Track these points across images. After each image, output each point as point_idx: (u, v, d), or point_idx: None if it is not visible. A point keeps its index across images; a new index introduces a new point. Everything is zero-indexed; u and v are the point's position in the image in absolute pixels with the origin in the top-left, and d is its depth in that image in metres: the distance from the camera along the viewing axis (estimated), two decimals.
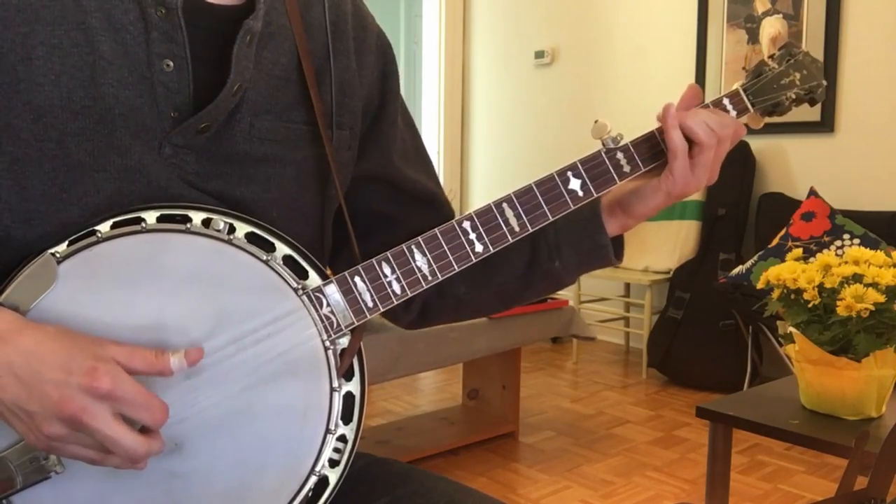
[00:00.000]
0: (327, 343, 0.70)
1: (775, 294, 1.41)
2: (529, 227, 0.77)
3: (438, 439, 2.62)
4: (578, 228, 0.84)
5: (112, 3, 0.67)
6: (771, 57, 0.86)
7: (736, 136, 0.80)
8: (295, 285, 0.69)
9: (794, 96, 0.85)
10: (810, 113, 3.28)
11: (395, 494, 0.78)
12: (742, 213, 3.49)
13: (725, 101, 0.83)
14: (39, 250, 0.65)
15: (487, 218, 0.76)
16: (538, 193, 0.77)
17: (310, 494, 0.69)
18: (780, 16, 3.45)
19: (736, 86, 0.84)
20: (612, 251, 0.84)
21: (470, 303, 0.88)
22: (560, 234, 0.84)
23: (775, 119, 0.88)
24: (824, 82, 0.86)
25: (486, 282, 0.87)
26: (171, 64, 0.68)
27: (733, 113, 0.83)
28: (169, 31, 0.68)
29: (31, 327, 0.61)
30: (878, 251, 1.37)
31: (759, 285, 1.46)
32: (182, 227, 0.67)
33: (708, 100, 0.83)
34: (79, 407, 0.58)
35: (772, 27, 3.48)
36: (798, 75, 0.85)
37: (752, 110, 0.84)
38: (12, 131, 0.64)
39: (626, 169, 0.79)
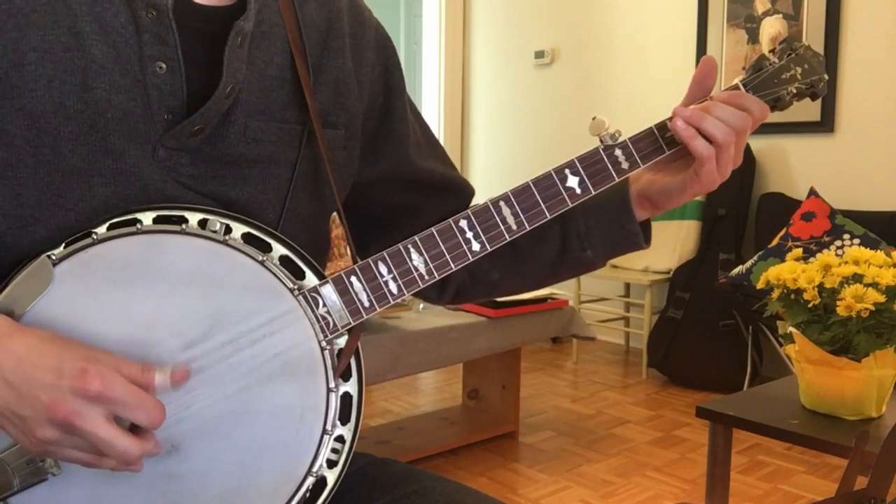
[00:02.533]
0: (324, 343, 0.69)
1: (775, 294, 1.40)
2: (527, 226, 0.77)
3: (438, 439, 2.62)
4: (609, 218, 0.85)
5: (102, 6, 0.66)
6: (772, 51, 0.85)
7: (758, 122, 0.79)
8: (291, 286, 0.69)
9: (795, 90, 0.84)
10: (810, 113, 3.28)
11: (395, 494, 0.77)
12: (742, 213, 3.49)
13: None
14: (36, 255, 0.65)
15: (484, 217, 0.75)
16: (536, 191, 0.77)
17: (307, 495, 0.68)
18: (780, 16, 3.45)
19: (736, 81, 0.83)
20: (642, 238, 0.85)
21: (502, 287, 0.91)
22: (590, 225, 0.85)
23: (775, 119, 0.88)
24: (826, 76, 0.85)
25: (518, 269, 0.89)
26: (164, 66, 0.68)
27: None
28: (160, 33, 0.67)
29: (21, 331, 0.61)
30: (878, 251, 1.37)
31: (759, 285, 1.46)
32: (178, 228, 0.67)
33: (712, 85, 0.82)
34: (70, 410, 0.58)
35: (772, 27, 3.48)
36: (799, 69, 0.84)
37: None
38: (5, 137, 0.64)
39: (625, 166, 0.79)
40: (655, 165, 0.81)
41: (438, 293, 0.91)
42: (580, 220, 0.85)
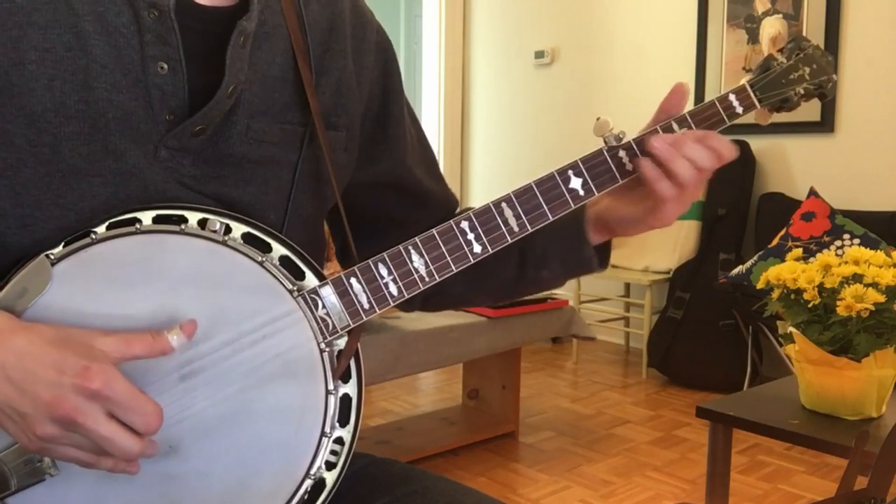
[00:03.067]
0: (323, 345, 0.69)
1: (775, 294, 1.40)
2: (529, 228, 0.76)
3: (438, 439, 2.62)
4: (563, 240, 0.85)
5: (104, 5, 0.66)
6: (780, 51, 0.84)
7: (725, 161, 0.76)
8: (290, 287, 0.69)
9: (802, 91, 0.82)
10: (810, 113, 3.28)
11: (395, 494, 0.77)
12: (742, 213, 3.49)
13: (732, 98, 0.81)
14: (35, 255, 0.65)
15: (486, 218, 0.75)
16: (538, 193, 0.76)
17: (306, 497, 0.68)
18: (780, 16, 3.44)
19: (743, 81, 0.82)
20: (596, 263, 0.86)
21: (468, 300, 0.92)
22: (546, 246, 0.85)
23: (776, 119, 0.87)
24: (835, 77, 0.84)
25: (480, 284, 0.89)
26: (165, 66, 0.68)
27: (740, 109, 0.81)
28: (162, 33, 0.67)
29: (24, 328, 0.61)
30: (878, 251, 1.37)
31: (759, 285, 1.45)
32: (177, 227, 0.67)
33: (710, 97, 0.82)
34: (72, 407, 0.58)
35: (772, 27, 3.48)
36: (807, 69, 0.83)
37: (758, 107, 0.82)
38: (6, 137, 0.64)
39: (629, 167, 0.78)
40: (617, 191, 0.80)
41: (407, 302, 0.89)
42: (537, 241, 0.83)
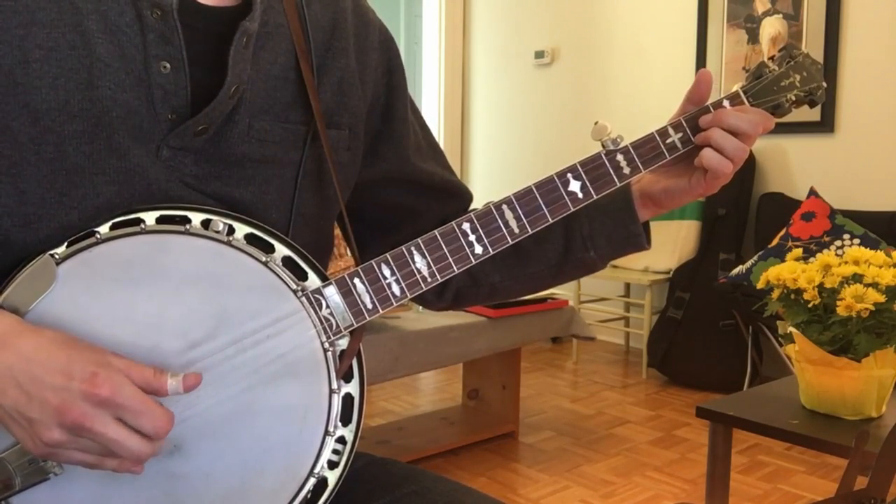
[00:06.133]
0: (326, 345, 0.70)
1: (775, 294, 1.41)
2: (529, 229, 0.77)
3: (438, 439, 2.62)
4: (612, 219, 0.85)
5: (108, 4, 0.67)
6: (771, 58, 0.86)
7: (766, 130, 0.81)
8: (294, 287, 0.69)
9: (793, 98, 0.85)
10: (810, 113, 3.28)
11: (395, 494, 0.78)
12: (742, 213, 3.49)
13: (725, 103, 0.83)
14: (39, 253, 0.65)
15: (487, 220, 0.76)
16: (538, 195, 0.77)
17: (309, 496, 0.69)
18: (780, 16, 3.45)
19: (736, 87, 0.84)
20: (644, 239, 0.86)
21: (504, 290, 0.91)
22: (594, 225, 0.86)
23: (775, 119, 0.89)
24: (824, 84, 0.87)
25: (520, 271, 0.89)
26: (168, 66, 0.68)
27: None
28: (165, 32, 0.67)
29: (31, 331, 0.61)
30: (878, 251, 1.37)
31: (759, 285, 1.46)
32: (181, 228, 0.67)
33: (710, 98, 0.83)
34: (80, 413, 0.58)
35: (772, 27, 3.48)
36: (798, 77, 0.85)
37: None
38: (10, 135, 0.64)
39: (626, 171, 0.79)
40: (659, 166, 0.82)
41: (437, 296, 0.91)
42: (583, 221, 0.86)
